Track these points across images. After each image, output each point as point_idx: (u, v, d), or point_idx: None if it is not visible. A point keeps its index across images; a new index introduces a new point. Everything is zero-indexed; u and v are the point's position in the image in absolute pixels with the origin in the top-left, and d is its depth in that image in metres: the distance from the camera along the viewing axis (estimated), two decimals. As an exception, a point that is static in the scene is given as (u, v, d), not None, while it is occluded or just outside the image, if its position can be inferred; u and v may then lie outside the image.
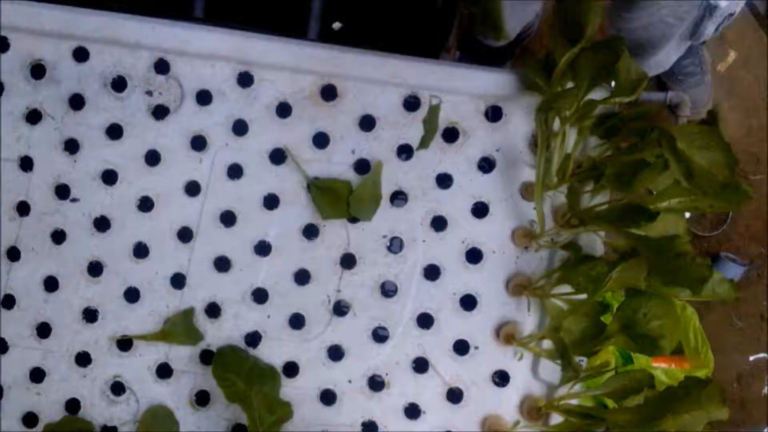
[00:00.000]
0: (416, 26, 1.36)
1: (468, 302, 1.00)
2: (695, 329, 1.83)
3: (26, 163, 1.03)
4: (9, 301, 1.03)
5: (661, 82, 1.99)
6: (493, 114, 1.00)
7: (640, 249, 0.81)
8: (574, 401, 0.95)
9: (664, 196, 0.84)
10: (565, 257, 0.97)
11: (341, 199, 0.99)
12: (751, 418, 2.04)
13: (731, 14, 1.30)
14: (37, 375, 1.03)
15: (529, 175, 1.00)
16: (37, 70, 1.03)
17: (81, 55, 1.02)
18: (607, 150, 0.95)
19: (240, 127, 1.02)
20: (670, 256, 0.78)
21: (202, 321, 1.02)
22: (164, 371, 1.03)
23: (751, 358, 2.05)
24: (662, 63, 1.75)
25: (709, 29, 1.35)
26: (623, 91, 0.92)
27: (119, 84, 1.02)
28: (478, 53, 1.95)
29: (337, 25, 1.32)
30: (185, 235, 1.02)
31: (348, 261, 1.01)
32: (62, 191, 1.03)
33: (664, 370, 1.78)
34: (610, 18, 1.46)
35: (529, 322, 1.00)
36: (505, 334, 0.99)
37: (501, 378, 1.00)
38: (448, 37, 1.51)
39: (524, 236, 0.99)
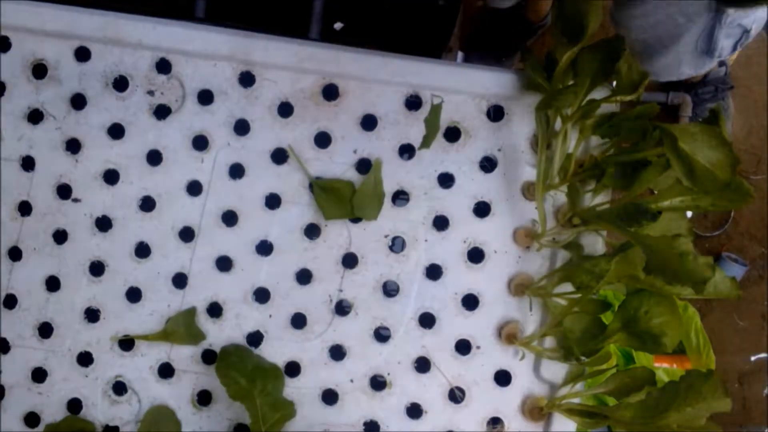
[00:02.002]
0: (418, 25, 1.36)
1: (470, 302, 1.00)
2: (697, 329, 1.83)
3: (28, 163, 1.03)
4: (11, 301, 1.04)
5: (663, 83, 1.98)
6: (495, 113, 1.00)
7: (642, 248, 0.81)
8: (576, 400, 0.95)
9: (665, 195, 0.84)
10: (566, 257, 0.97)
11: (344, 199, 0.99)
12: (752, 417, 2.04)
13: (747, 30, 1.27)
14: (39, 375, 1.03)
15: (530, 174, 0.99)
16: (39, 70, 1.03)
17: (82, 54, 1.02)
18: (609, 149, 0.95)
19: (242, 127, 1.02)
20: (672, 256, 0.77)
21: (203, 321, 1.02)
22: (166, 371, 1.03)
23: (753, 358, 2.05)
24: (672, 69, 1.72)
25: (724, 43, 1.32)
26: (624, 90, 0.92)
27: (121, 83, 1.02)
28: (489, 37, 1.94)
29: (338, 25, 1.31)
30: (187, 234, 1.02)
31: (350, 260, 1.01)
32: (64, 191, 1.03)
33: (665, 369, 1.78)
34: (615, 16, 1.45)
35: (531, 321, 1.00)
36: (507, 333, 0.99)
37: (503, 378, 1.00)
38: (450, 36, 1.50)
39: (526, 236, 0.99)
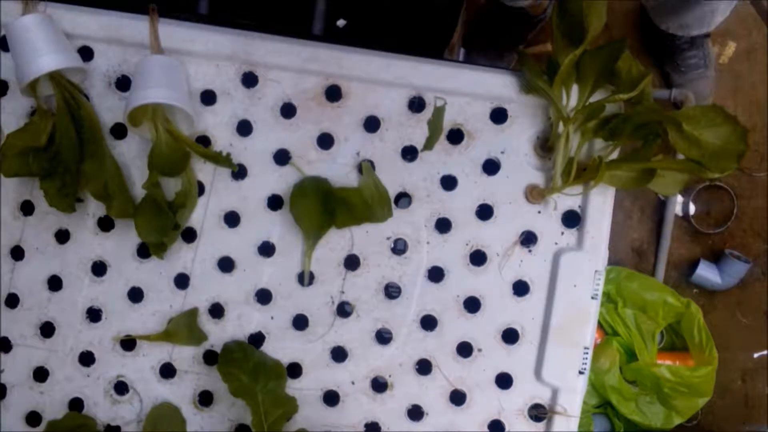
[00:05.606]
0: (421, 23, 1.35)
1: (472, 305, 1.00)
2: (700, 326, 1.83)
3: (30, 163, 1.03)
4: (13, 300, 1.04)
5: (665, 79, 1.98)
6: (499, 116, 0.99)
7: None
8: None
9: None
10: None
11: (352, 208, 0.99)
12: (755, 415, 2.04)
13: None
14: (41, 374, 1.04)
15: (534, 177, 0.99)
16: (41, 70, 1.02)
17: (85, 54, 1.01)
18: (612, 152, 0.94)
19: (244, 128, 1.01)
20: None
21: (205, 321, 1.02)
22: (168, 371, 1.03)
23: (756, 355, 2.05)
24: (705, 20, 1.69)
25: None
26: (625, 89, 0.91)
27: (123, 83, 1.02)
28: (491, 32, 1.94)
29: (341, 23, 1.31)
30: (189, 235, 1.02)
31: (352, 262, 1.01)
32: (66, 191, 1.02)
33: (668, 367, 1.78)
34: None
35: (533, 325, 0.99)
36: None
37: (504, 381, 1.00)
38: (453, 33, 1.50)
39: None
